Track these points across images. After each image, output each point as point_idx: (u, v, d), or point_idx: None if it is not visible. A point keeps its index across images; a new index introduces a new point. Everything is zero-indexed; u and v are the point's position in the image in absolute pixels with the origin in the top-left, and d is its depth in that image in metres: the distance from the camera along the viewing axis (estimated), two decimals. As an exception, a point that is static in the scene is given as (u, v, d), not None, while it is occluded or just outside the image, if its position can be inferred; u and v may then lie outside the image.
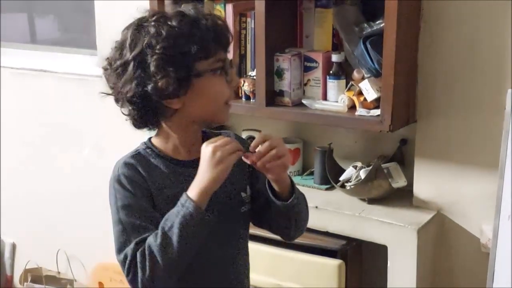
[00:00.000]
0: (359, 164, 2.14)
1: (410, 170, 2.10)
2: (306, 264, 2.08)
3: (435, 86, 1.98)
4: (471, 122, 1.95)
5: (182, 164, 1.35)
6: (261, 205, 1.39)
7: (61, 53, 2.96)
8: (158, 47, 1.25)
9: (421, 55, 1.97)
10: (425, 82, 1.99)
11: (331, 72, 2.06)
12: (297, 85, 2.12)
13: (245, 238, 1.46)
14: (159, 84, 1.25)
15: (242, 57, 2.18)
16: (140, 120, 1.34)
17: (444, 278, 2.10)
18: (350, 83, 2.03)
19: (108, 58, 1.33)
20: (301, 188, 2.12)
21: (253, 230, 1.50)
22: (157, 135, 1.38)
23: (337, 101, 2.05)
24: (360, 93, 2.00)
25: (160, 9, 1.94)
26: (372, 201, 2.09)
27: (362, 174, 2.08)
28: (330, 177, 2.16)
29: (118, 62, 1.29)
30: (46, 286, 2.98)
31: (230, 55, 1.34)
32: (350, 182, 2.12)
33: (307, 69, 2.11)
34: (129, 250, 1.25)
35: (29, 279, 3.02)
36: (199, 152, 1.36)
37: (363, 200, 2.11)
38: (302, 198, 1.39)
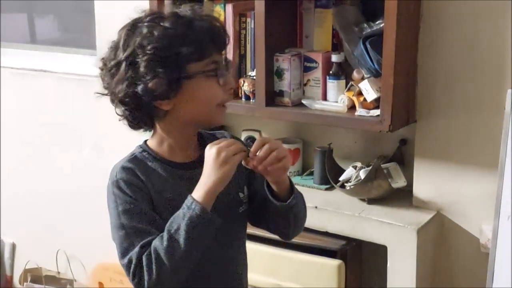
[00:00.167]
0: (358, 164, 2.14)
1: (409, 170, 2.10)
2: (306, 264, 2.08)
3: (435, 86, 1.98)
4: (471, 122, 1.95)
5: (179, 167, 1.35)
6: (258, 205, 1.39)
7: (61, 53, 2.96)
8: (149, 47, 1.25)
9: (421, 55, 1.97)
10: (424, 82, 1.99)
11: (331, 72, 2.06)
12: (297, 85, 2.12)
13: (243, 238, 1.46)
14: (149, 85, 1.26)
15: (242, 57, 2.18)
16: (133, 120, 1.34)
17: (443, 278, 2.10)
18: (350, 83, 2.03)
19: (103, 58, 1.33)
20: (300, 188, 2.12)
21: (253, 230, 1.50)
22: (152, 137, 1.38)
23: (337, 101, 2.05)
24: (359, 93, 2.00)
25: (160, 9, 1.94)
26: (371, 201, 2.09)
27: (362, 174, 2.08)
28: (330, 177, 2.16)
29: (112, 63, 1.30)
30: (46, 286, 2.98)
31: (229, 56, 1.33)
32: (350, 182, 2.12)
33: (307, 69, 2.11)
34: (134, 254, 1.25)
35: (29, 279, 3.02)
36: (196, 154, 1.38)
37: (363, 200, 2.11)
38: (300, 198, 1.39)
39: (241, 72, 2.19)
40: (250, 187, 1.42)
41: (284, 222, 1.38)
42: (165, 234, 1.24)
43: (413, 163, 2.07)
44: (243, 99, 2.18)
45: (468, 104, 1.94)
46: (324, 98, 2.09)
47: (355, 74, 2.02)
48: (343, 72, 2.06)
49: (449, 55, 1.94)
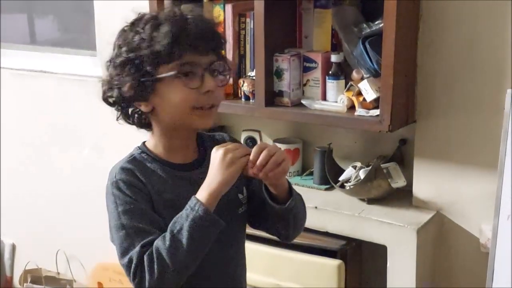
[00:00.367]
0: (358, 164, 2.14)
1: (409, 170, 2.10)
2: (306, 264, 2.08)
3: (435, 86, 1.98)
4: (470, 122, 1.95)
5: (178, 168, 1.35)
6: (257, 206, 1.39)
7: (60, 54, 2.96)
8: (122, 50, 1.29)
9: (420, 55, 1.97)
10: (424, 82, 1.99)
11: (330, 72, 2.06)
12: (297, 85, 2.12)
13: (243, 239, 1.46)
14: (123, 87, 1.29)
15: (242, 58, 2.18)
16: (127, 120, 1.38)
17: (443, 278, 2.10)
18: (349, 83, 2.03)
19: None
20: (300, 188, 2.13)
21: (253, 231, 1.50)
22: (149, 138, 1.39)
23: (336, 101, 2.05)
24: (359, 93, 2.00)
25: (159, 9, 1.94)
26: (371, 201, 2.09)
27: (362, 174, 2.08)
28: (330, 177, 2.16)
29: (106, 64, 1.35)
30: (46, 287, 2.98)
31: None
32: (350, 182, 2.12)
33: (306, 70, 2.11)
34: (134, 253, 1.24)
35: (29, 280, 3.02)
36: (195, 155, 1.38)
37: (363, 200, 2.11)
38: (299, 200, 1.39)
39: (240, 72, 2.19)
40: (248, 188, 1.42)
41: (283, 224, 1.38)
42: (167, 234, 1.24)
43: (412, 163, 2.08)
44: (243, 99, 2.18)
45: (468, 104, 1.94)
46: (324, 98, 2.09)
47: (354, 74, 2.02)
48: (343, 72, 2.06)
49: (448, 55, 1.94)
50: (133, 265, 1.24)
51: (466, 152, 1.98)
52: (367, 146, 2.24)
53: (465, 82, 1.93)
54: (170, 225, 1.25)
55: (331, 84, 2.06)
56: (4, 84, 3.03)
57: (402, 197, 2.11)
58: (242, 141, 2.39)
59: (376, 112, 1.93)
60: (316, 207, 2.07)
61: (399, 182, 2.08)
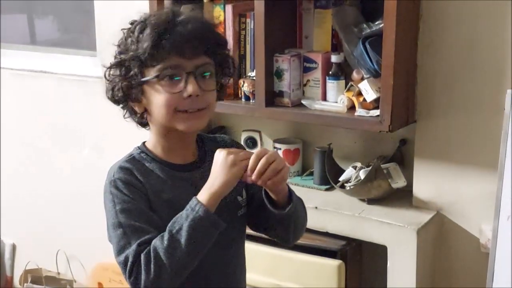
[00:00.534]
0: (358, 164, 2.14)
1: (409, 171, 2.10)
2: (306, 265, 2.08)
3: (435, 86, 1.98)
4: (470, 122, 1.95)
5: (177, 168, 1.36)
6: (257, 209, 1.39)
7: (60, 54, 2.96)
8: (116, 51, 1.32)
9: (421, 55, 1.98)
10: (424, 83, 1.99)
11: (330, 72, 2.06)
12: (297, 85, 2.12)
13: (242, 241, 1.46)
14: (115, 87, 1.32)
15: (242, 58, 2.19)
16: (131, 119, 1.39)
17: (443, 278, 2.10)
18: (350, 84, 2.03)
19: None
20: (300, 189, 2.13)
21: (252, 231, 1.50)
22: (149, 139, 1.39)
23: (336, 102, 2.05)
24: (359, 93, 2.00)
25: (159, 10, 1.94)
26: (371, 201, 2.09)
27: (362, 175, 2.08)
28: (330, 177, 2.16)
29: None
30: (46, 287, 2.98)
31: (196, 62, 1.28)
32: (350, 182, 2.12)
33: (306, 70, 2.11)
34: (131, 252, 1.24)
35: (29, 280, 3.02)
36: (195, 156, 1.38)
37: (363, 200, 2.11)
38: (299, 204, 1.38)
39: (241, 73, 2.19)
40: (248, 191, 1.42)
41: (283, 229, 1.38)
42: (166, 234, 1.24)
43: (413, 163, 2.08)
44: (243, 100, 2.18)
45: (468, 104, 1.95)
46: (324, 98, 2.09)
47: (354, 75, 2.02)
48: (343, 72, 2.06)
49: (448, 55, 1.94)
50: (129, 264, 1.24)
51: (466, 152, 1.98)
52: (367, 146, 2.24)
53: (465, 82, 1.94)
54: (169, 225, 1.25)
55: (331, 85, 2.06)
56: (4, 84, 3.03)
57: (402, 197, 2.11)
58: (242, 141, 2.39)
59: (376, 112, 1.93)
60: (316, 207, 2.07)
61: (399, 182, 2.09)
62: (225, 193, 1.26)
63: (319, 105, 2.06)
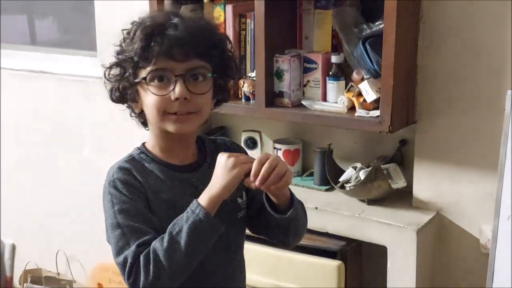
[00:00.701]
0: (358, 165, 2.14)
1: (409, 171, 2.10)
2: (306, 265, 2.08)
3: (435, 87, 1.98)
4: (470, 123, 1.95)
5: (176, 169, 1.35)
6: (257, 211, 1.39)
7: (61, 54, 2.96)
8: (114, 52, 1.33)
9: (421, 56, 1.98)
10: (424, 83, 1.99)
11: (330, 73, 2.06)
12: (297, 86, 2.12)
13: (242, 244, 1.45)
14: (113, 88, 1.33)
15: (242, 58, 2.19)
16: (133, 118, 1.40)
17: (443, 279, 2.10)
18: (350, 84, 2.03)
19: None
20: (300, 189, 2.13)
21: (252, 233, 1.49)
22: (148, 139, 1.39)
23: (336, 102, 2.05)
24: (359, 94, 2.00)
25: (159, 10, 1.94)
26: (371, 202, 2.09)
27: (362, 175, 2.08)
28: (330, 178, 2.16)
29: None
30: (46, 287, 2.98)
31: (187, 65, 1.27)
32: (350, 183, 2.12)
33: (306, 70, 2.11)
34: (129, 253, 1.24)
35: (29, 280, 3.02)
36: (195, 157, 1.38)
37: (363, 201, 2.11)
38: (300, 208, 1.38)
39: (241, 73, 2.19)
40: (248, 193, 1.42)
41: (284, 232, 1.37)
42: (166, 236, 1.24)
43: (413, 163, 2.08)
44: (243, 100, 2.18)
45: (468, 104, 1.95)
46: (324, 99, 2.09)
47: (354, 75, 2.02)
48: (343, 73, 2.06)
49: (449, 56, 1.94)
50: (128, 265, 1.24)
51: (466, 153, 1.98)
52: (367, 147, 2.24)
53: (465, 83, 1.94)
54: (169, 226, 1.25)
55: (331, 85, 2.06)
56: (4, 85, 3.03)
57: (402, 198, 2.11)
58: (242, 142, 2.39)
59: (376, 113, 1.93)
60: (316, 208, 2.07)
61: (399, 183, 2.09)
62: (225, 196, 1.26)
63: (319, 106, 2.07)
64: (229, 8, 2.16)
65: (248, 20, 2.15)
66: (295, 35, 2.19)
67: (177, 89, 1.27)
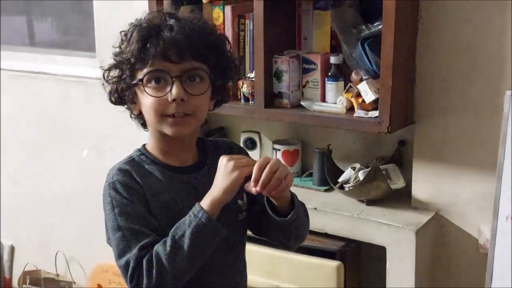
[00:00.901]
0: (357, 165, 2.14)
1: (408, 172, 2.10)
2: (305, 266, 2.08)
3: (433, 88, 1.98)
4: (469, 123, 1.96)
5: (176, 170, 1.35)
6: (257, 213, 1.39)
7: (60, 55, 2.96)
8: (112, 54, 1.33)
9: (419, 56, 1.98)
10: (423, 84, 2.00)
11: (329, 73, 2.06)
12: (296, 86, 2.12)
13: (243, 246, 1.45)
14: (112, 90, 1.34)
15: (241, 59, 2.19)
16: (134, 120, 1.40)
17: (442, 279, 2.10)
18: (349, 85, 2.03)
19: None
20: (299, 190, 2.13)
21: (254, 235, 1.49)
22: (148, 141, 1.39)
23: (335, 103, 2.05)
24: (358, 94, 2.00)
25: (159, 11, 1.94)
26: (370, 202, 2.10)
27: (361, 176, 2.08)
28: (329, 178, 2.16)
29: None
30: (45, 289, 2.98)
31: (183, 66, 1.27)
32: (349, 183, 2.13)
33: (305, 71, 2.11)
34: (132, 256, 1.24)
35: (28, 282, 3.01)
36: (195, 158, 1.38)
37: (362, 201, 2.11)
38: (302, 210, 1.38)
39: (240, 74, 2.19)
40: (249, 195, 1.41)
41: (285, 235, 1.37)
42: (168, 240, 1.24)
43: (411, 164, 2.08)
44: (242, 101, 2.18)
45: (467, 105, 1.95)
46: (323, 99, 2.09)
47: (353, 76, 2.02)
48: (342, 73, 2.06)
49: (447, 57, 1.94)
50: (130, 268, 1.24)
51: (464, 153, 1.98)
52: (366, 148, 2.24)
53: (464, 83, 1.94)
54: (171, 230, 1.25)
55: (330, 86, 2.07)
56: (3, 86, 3.03)
57: (401, 198, 2.12)
58: (241, 143, 2.40)
59: (375, 113, 1.94)
60: (315, 208, 2.07)
61: (398, 183, 2.09)
62: (227, 200, 1.26)
63: (318, 106, 2.07)
64: (228, 9, 2.16)
65: (247, 21, 2.15)
66: (294, 36, 2.19)
67: (173, 90, 1.27)
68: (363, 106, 1.98)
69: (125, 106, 1.38)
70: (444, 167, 2.02)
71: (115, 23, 1.36)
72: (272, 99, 2.12)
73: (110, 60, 1.35)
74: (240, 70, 2.19)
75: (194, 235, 1.22)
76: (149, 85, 1.29)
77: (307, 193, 2.18)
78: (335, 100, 2.05)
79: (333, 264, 2.04)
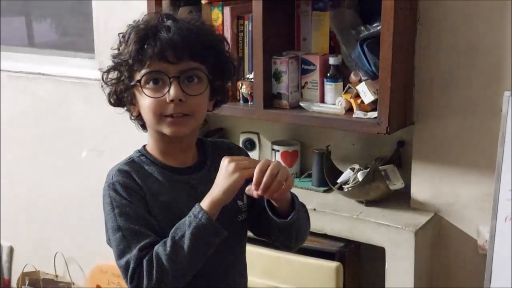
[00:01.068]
0: (356, 166, 2.15)
1: (407, 172, 2.10)
2: (304, 266, 2.08)
3: (432, 88, 1.98)
4: (468, 124, 1.96)
5: (176, 171, 1.36)
6: (258, 214, 1.39)
7: (59, 56, 2.96)
8: (111, 55, 1.34)
9: (418, 57, 1.98)
10: (422, 84, 2.00)
11: (328, 74, 2.07)
12: (295, 87, 2.12)
13: (243, 247, 1.45)
14: (110, 92, 1.34)
15: (240, 60, 2.19)
16: (134, 121, 1.41)
17: (441, 280, 2.10)
18: (348, 86, 2.04)
19: None
20: (299, 191, 2.13)
21: (254, 235, 1.49)
22: (148, 142, 1.39)
23: (334, 104, 2.05)
24: (357, 95, 2.00)
25: (157, 11, 1.94)
26: (369, 203, 2.10)
27: (360, 176, 2.08)
28: (328, 179, 2.16)
29: None
30: (44, 290, 2.98)
31: (180, 67, 1.27)
32: (348, 184, 2.13)
33: (304, 72, 2.11)
34: (132, 257, 1.25)
35: (27, 283, 3.01)
36: (195, 159, 1.38)
37: (361, 202, 2.11)
38: (302, 211, 1.38)
39: (239, 75, 2.19)
40: (249, 195, 1.41)
41: (285, 236, 1.37)
42: (169, 240, 1.24)
43: (410, 165, 2.08)
44: (241, 102, 2.18)
45: (466, 106, 1.95)
46: (322, 100, 2.09)
47: (352, 77, 2.03)
48: (341, 74, 2.06)
49: (446, 57, 1.94)
50: (130, 269, 1.24)
51: (463, 154, 1.98)
52: (365, 148, 2.24)
53: (463, 84, 1.94)
54: (172, 231, 1.25)
55: (329, 87, 2.07)
56: (2, 87, 3.03)
57: (400, 199, 2.12)
58: (240, 143, 2.40)
59: (374, 114, 1.94)
60: (314, 209, 2.08)
61: (397, 184, 2.09)
62: (227, 200, 1.26)
63: (317, 107, 2.07)
64: (227, 10, 2.16)
65: (246, 22, 2.15)
66: (293, 36, 2.19)
67: (171, 91, 1.27)
68: (362, 107, 1.99)
69: (125, 108, 1.38)
70: (443, 168, 2.02)
71: (114, 24, 1.37)
72: (271, 100, 2.12)
73: (109, 62, 1.35)
74: (239, 71, 2.19)
75: (194, 235, 1.23)
76: (147, 86, 1.29)
77: (306, 194, 2.18)
78: (334, 101, 2.06)
79: (332, 265, 2.04)
